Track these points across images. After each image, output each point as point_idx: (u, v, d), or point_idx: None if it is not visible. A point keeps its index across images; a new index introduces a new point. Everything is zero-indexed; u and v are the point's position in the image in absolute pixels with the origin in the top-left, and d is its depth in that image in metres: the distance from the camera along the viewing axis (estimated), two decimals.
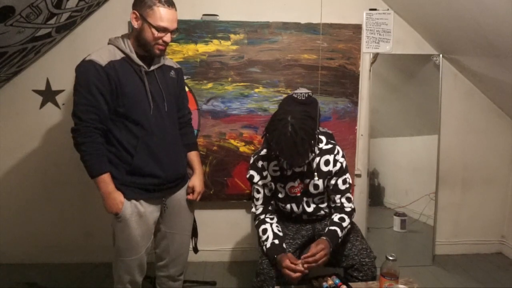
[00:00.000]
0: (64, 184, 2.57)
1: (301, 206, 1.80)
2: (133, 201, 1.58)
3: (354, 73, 2.56)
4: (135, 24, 1.51)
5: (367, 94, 2.64)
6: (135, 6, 1.51)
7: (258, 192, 1.79)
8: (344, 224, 1.69)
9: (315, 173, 1.72)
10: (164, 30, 1.50)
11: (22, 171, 2.55)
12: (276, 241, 1.67)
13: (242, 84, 2.50)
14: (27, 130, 2.51)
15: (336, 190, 1.76)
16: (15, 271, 2.53)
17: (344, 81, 2.55)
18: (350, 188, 1.79)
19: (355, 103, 2.59)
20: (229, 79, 2.48)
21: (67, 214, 2.61)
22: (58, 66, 2.45)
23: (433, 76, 2.63)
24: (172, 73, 1.72)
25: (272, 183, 1.77)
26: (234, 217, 2.70)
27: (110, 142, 1.56)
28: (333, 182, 1.75)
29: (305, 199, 1.79)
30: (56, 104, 2.50)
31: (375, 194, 2.74)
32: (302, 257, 1.57)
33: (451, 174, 2.76)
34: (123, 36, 1.59)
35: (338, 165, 1.73)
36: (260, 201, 1.79)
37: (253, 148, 2.53)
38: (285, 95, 2.48)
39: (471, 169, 2.78)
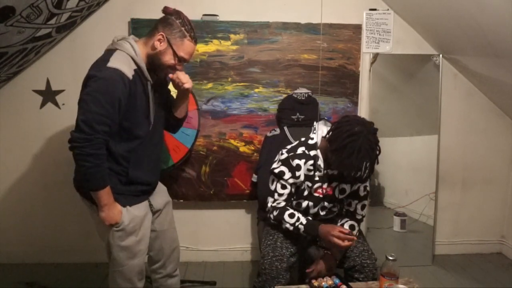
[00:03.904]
0: (64, 184, 2.56)
1: (317, 208, 1.79)
2: (128, 207, 1.58)
3: (354, 73, 2.56)
4: (158, 46, 1.49)
5: (367, 94, 2.64)
6: (163, 29, 1.49)
7: (284, 187, 1.75)
8: (354, 233, 1.72)
9: (346, 179, 1.71)
10: (183, 61, 1.55)
11: (22, 171, 2.55)
12: (310, 218, 1.70)
13: (242, 84, 2.50)
14: (27, 130, 2.51)
15: (355, 195, 1.78)
16: (15, 271, 2.53)
17: (344, 81, 2.55)
18: (368, 196, 1.81)
19: (355, 103, 2.59)
20: (229, 79, 2.48)
21: (67, 214, 2.61)
22: (58, 66, 2.46)
23: (433, 76, 2.63)
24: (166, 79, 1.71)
25: (303, 183, 1.75)
26: (234, 217, 2.70)
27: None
28: (355, 187, 1.77)
29: (324, 202, 1.78)
30: (56, 104, 2.50)
31: (375, 194, 2.74)
32: (307, 270, 1.66)
33: (451, 174, 2.76)
34: (129, 43, 1.51)
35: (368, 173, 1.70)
36: (284, 197, 1.76)
37: (253, 148, 2.53)
38: (285, 95, 2.48)
39: (471, 169, 2.78)
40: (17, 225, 2.61)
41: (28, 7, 1.69)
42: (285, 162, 1.73)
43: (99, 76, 1.40)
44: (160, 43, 1.49)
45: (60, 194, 2.58)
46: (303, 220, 1.70)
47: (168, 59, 1.50)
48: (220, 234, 2.71)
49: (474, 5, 1.92)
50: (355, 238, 1.62)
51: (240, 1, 2.50)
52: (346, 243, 1.58)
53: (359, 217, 1.81)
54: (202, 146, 2.50)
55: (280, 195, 1.76)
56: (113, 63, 1.43)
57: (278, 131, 2.40)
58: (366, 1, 2.56)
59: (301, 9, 2.51)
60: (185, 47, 1.50)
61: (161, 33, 1.49)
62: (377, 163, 1.58)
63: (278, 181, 1.76)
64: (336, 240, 1.58)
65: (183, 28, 1.49)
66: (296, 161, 1.72)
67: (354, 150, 1.48)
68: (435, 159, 2.67)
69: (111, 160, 1.52)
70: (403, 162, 2.78)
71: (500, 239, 2.86)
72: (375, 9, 2.56)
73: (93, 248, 2.61)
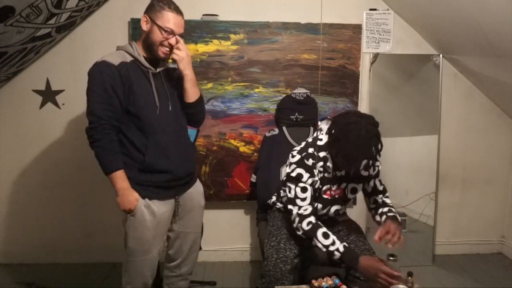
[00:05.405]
0: (64, 184, 2.57)
1: (326, 209, 1.77)
2: (147, 200, 1.61)
3: (354, 73, 2.56)
4: (145, 27, 1.62)
5: (367, 94, 2.64)
6: (146, 11, 1.63)
7: (305, 190, 1.66)
8: (394, 211, 1.72)
9: (355, 178, 1.71)
10: (170, 32, 1.60)
11: (22, 171, 2.55)
12: (346, 245, 1.60)
13: (242, 84, 2.50)
14: (27, 130, 2.51)
15: (376, 191, 1.80)
16: (15, 271, 2.53)
17: (344, 81, 2.55)
18: (379, 174, 1.81)
19: (355, 103, 2.59)
20: (229, 79, 2.48)
21: (67, 214, 2.61)
22: (58, 66, 2.46)
23: (433, 76, 2.63)
24: (177, 72, 1.76)
25: (318, 181, 1.71)
26: (234, 217, 2.70)
27: (121, 142, 1.59)
28: (372, 184, 1.77)
29: (333, 204, 1.77)
30: (56, 104, 2.50)
31: None
32: (377, 237, 1.55)
33: (451, 174, 2.76)
34: (130, 43, 1.68)
35: (376, 169, 1.72)
36: (308, 201, 1.66)
37: (253, 148, 2.53)
38: (285, 95, 2.48)
39: (471, 169, 2.78)
40: (17, 225, 2.61)
41: (27, 7, 1.69)
42: (300, 163, 1.67)
43: (90, 72, 1.57)
44: (146, 24, 1.62)
45: (60, 194, 2.58)
46: (340, 246, 1.56)
47: (157, 35, 1.60)
48: (220, 234, 2.70)
49: (474, 5, 1.92)
50: (402, 278, 1.49)
51: (240, 1, 2.51)
52: (394, 281, 1.46)
53: (391, 204, 1.78)
54: (202, 146, 2.50)
55: (303, 199, 1.66)
56: (102, 58, 1.57)
57: (276, 131, 2.40)
58: (366, 1, 2.56)
59: (301, 9, 2.51)
60: (166, 17, 1.58)
61: (144, 15, 1.62)
62: (381, 148, 1.56)
63: (296, 185, 1.67)
64: (384, 277, 1.45)
65: (160, 3, 1.59)
66: (311, 161, 1.68)
67: (354, 138, 1.48)
68: (435, 159, 2.67)
69: (129, 147, 1.59)
70: (403, 162, 2.78)
71: (500, 239, 2.86)
72: (375, 9, 2.56)
73: (93, 248, 2.62)
